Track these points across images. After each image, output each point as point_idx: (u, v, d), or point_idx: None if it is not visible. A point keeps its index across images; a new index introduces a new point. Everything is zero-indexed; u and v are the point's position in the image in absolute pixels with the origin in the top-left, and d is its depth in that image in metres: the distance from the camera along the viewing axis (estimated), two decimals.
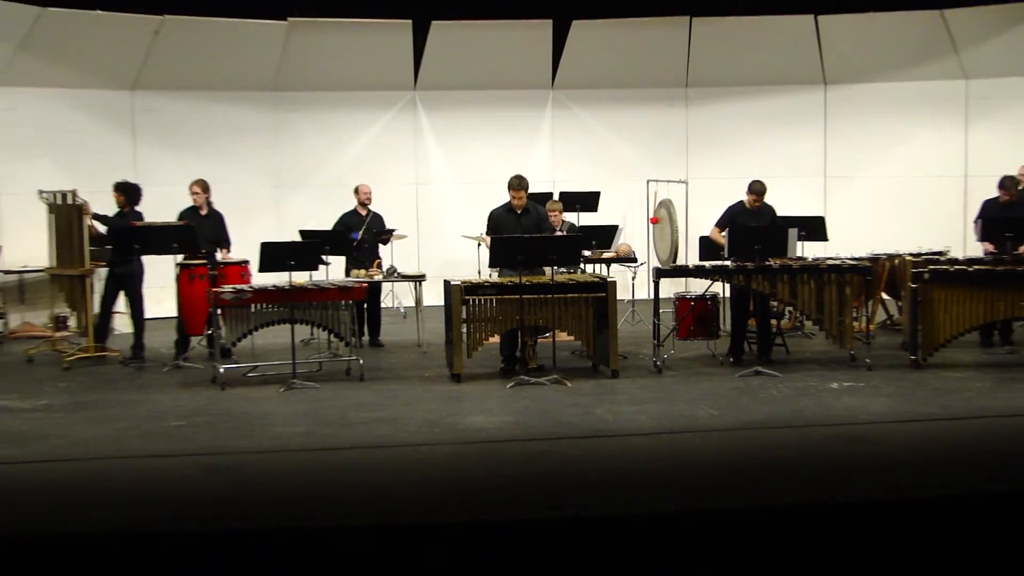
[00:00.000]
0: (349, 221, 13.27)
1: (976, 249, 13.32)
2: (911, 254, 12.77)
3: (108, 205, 12.63)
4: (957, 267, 11.36)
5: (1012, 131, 16.02)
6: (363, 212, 13.35)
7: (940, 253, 13.03)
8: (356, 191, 13.48)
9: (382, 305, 13.90)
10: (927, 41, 16.28)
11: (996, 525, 7.19)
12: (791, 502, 7.35)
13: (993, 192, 12.80)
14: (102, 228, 12.51)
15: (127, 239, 12.06)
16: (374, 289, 13.13)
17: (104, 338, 12.60)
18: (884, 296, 13.50)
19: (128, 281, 12.45)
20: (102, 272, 12.66)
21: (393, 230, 13.61)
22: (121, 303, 12.61)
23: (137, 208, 12.61)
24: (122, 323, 13.00)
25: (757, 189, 12.16)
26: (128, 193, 12.62)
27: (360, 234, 13.03)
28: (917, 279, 11.24)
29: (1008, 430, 9.11)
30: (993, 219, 12.40)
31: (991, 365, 11.58)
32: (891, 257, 12.97)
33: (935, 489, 7.51)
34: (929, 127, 16.71)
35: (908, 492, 7.44)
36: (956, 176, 16.46)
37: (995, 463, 8.10)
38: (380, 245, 13.47)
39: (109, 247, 12.45)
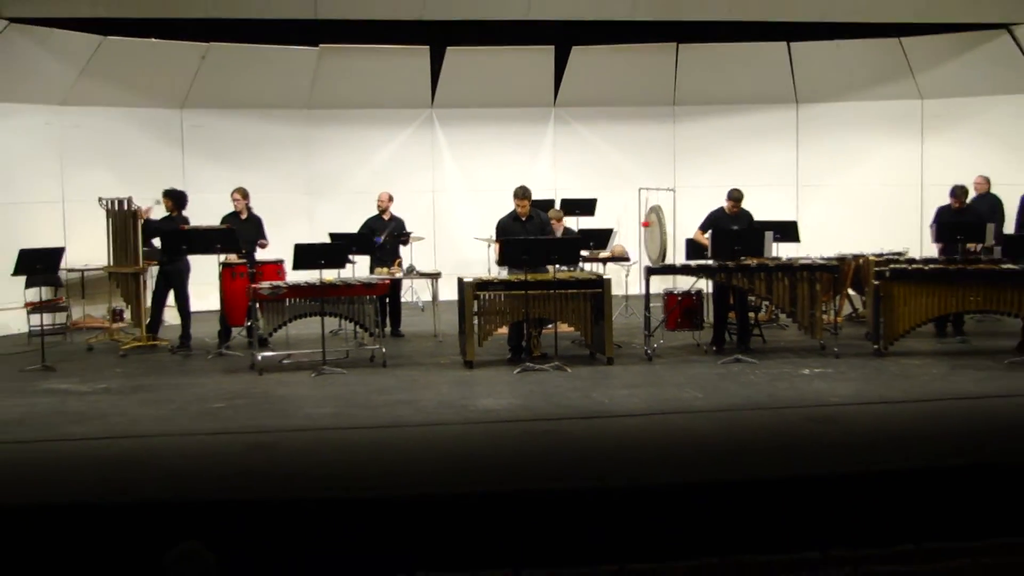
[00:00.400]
0: (373, 225, 13.22)
1: (931, 250, 13.26)
2: (874, 254, 12.74)
3: (158, 210, 12.66)
4: (915, 266, 11.33)
5: (962, 145, 15.93)
6: (386, 217, 13.32)
7: (899, 253, 12.97)
8: (378, 198, 13.48)
9: (402, 299, 13.86)
10: (887, 65, 16.20)
11: (950, 495, 7.16)
12: (769, 475, 7.31)
13: (946, 199, 12.76)
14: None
15: (176, 241, 12.04)
16: (395, 285, 13.08)
17: (156, 329, 12.59)
18: (850, 292, 13.44)
19: (176, 278, 12.40)
20: (154, 270, 12.65)
21: (410, 232, 13.58)
22: (170, 298, 12.59)
23: (184, 212, 12.59)
24: (171, 316, 12.97)
25: (735, 196, 12.12)
26: (176, 199, 12.61)
27: (383, 239, 12.97)
28: (879, 276, 11.20)
29: (960, 411, 9.08)
30: (946, 223, 12.39)
31: (945, 353, 11.51)
32: (856, 257, 12.91)
33: (896, 463, 7.48)
34: (889, 142, 16.61)
35: (872, 466, 7.41)
36: (913, 185, 16.37)
37: (949, 440, 8.07)
38: (401, 246, 13.43)
39: (160, 248, 12.47)
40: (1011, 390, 9.67)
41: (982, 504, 7.12)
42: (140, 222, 12.34)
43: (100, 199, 12.65)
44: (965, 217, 12.45)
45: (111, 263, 12.70)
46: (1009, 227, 13.21)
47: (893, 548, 5.73)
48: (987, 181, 13.70)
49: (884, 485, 7.21)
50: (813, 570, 5.40)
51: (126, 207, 12.44)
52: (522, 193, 11.52)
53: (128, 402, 9.75)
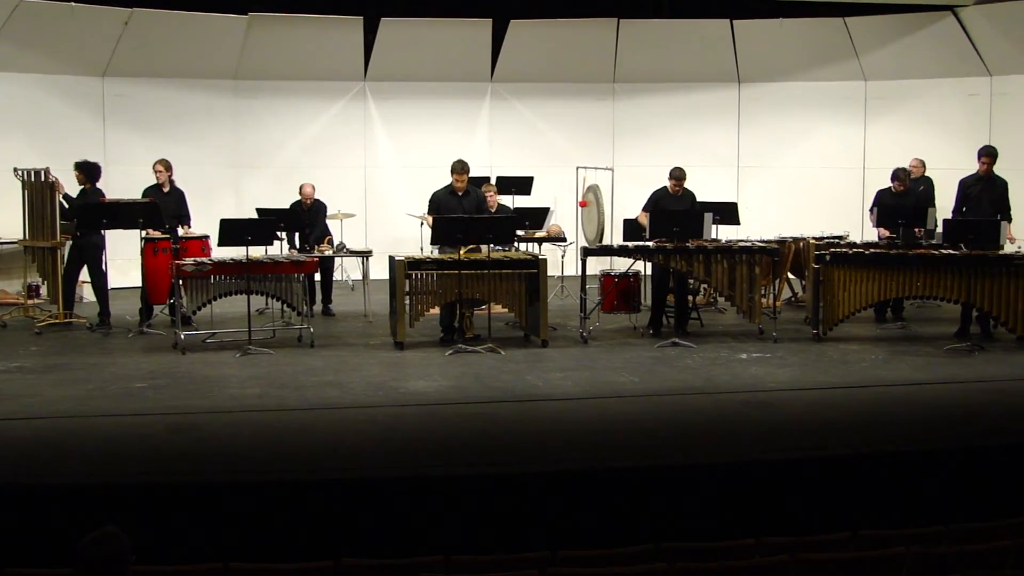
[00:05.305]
0: (296, 209, 13.08)
1: (872, 234, 13.41)
2: (814, 237, 12.87)
3: (75, 183, 12.45)
4: (855, 250, 11.47)
5: (905, 128, 16.14)
6: (307, 203, 13.20)
7: (840, 237, 13.12)
8: (300, 189, 13.32)
9: (333, 278, 13.80)
10: (831, 46, 16.35)
11: (886, 481, 7.28)
12: (704, 461, 7.38)
13: (888, 183, 12.90)
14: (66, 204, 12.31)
15: (96, 214, 11.86)
16: (326, 261, 13.01)
17: (70, 306, 12.37)
18: (790, 275, 13.58)
19: (90, 253, 12.19)
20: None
21: (328, 236, 13.43)
22: (84, 274, 12.40)
23: (98, 185, 12.36)
24: (89, 292, 12.79)
25: (677, 175, 12.08)
26: (88, 171, 12.31)
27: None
28: (819, 260, 11.32)
29: (898, 397, 9.20)
30: (887, 207, 12.49)
31: (884, 339, 11.68)
32: (796, 240, 13.04)
33: (833, 449, 7.58)
34: (831, 123, 16.78)
35: (809, 452, 7.50)
36: (855, 168, 16.56)
37: (886, 426, 8.18)
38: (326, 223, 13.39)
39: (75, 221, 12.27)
40: (949, 377, 9.83)
41: (918, 491, 7.25)
42: (58, 195, 12.15)
43: (15, 170, 12.42)
44: (906, 200, 12.60)
45: (27, 236, 12.49)
46: (945, 212, 13.37)
47: (828, 535, 5.82)
48: (923, 164, 13.88)
49: (820, 472, 7.31)
50: (748, 556, 5.47)
51: (43, 178, 12.24)
52: (460, 168, 11.50)
53: (43, 382, 9.60)
